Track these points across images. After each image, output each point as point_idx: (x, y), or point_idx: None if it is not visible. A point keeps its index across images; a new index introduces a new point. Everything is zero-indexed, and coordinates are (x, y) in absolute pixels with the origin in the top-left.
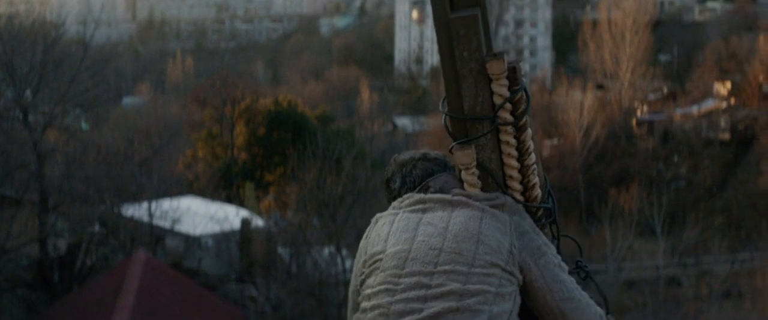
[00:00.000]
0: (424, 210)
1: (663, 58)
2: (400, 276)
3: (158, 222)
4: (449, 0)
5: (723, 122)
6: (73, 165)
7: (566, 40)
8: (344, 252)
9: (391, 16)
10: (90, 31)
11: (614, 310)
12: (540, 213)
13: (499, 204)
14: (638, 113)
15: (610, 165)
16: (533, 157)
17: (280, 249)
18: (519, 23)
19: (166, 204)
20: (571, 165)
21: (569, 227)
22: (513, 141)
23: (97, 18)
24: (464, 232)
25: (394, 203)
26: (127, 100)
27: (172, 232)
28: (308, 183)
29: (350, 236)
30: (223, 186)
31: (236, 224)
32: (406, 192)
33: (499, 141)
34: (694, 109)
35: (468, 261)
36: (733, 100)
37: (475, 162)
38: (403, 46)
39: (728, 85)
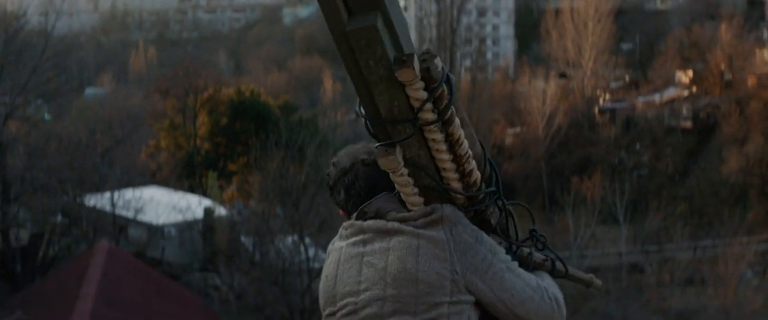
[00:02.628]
0: (364, 243)
1: (625, 46)
2: None
3: (121, 212)
4: (346, 7)
5: (685, 110)
6: (35, 156)
7: (529, 28)
8: (307, 240)
9: None
10: (52, 22)
11: (580, 292)
12: (482, 196)
13: (437, 218)
14: (600, 101)
15: (573, 153)
16: (465, 145)
17: (243, 238)
18: (481, 12)
19: (129, 194)
20: (533, 154)
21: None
22: (440, 136)
23: (58, 8)
24: (402, 273)
25: (341, 230)
26: (90, 91)
27: (135, 222)
28: (271, 172)
29: (313, 225)
30: (185, 175)
31: (199, 213)
32: (352, 206)
33: (425, 138)
34: (656, 97)
35: (411, 310)
36: (694, 88)
37: (401, 165)
38: None
39: (690, 73)
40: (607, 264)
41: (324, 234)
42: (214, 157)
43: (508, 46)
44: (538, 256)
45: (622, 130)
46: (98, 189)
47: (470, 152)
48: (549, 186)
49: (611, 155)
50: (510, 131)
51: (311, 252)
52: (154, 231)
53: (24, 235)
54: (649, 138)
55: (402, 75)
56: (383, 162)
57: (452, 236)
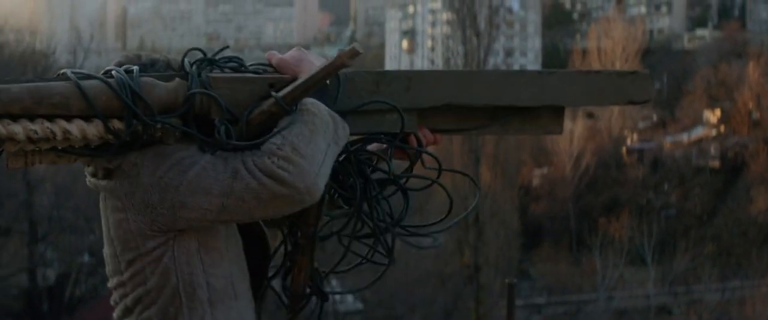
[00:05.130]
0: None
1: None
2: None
3: None
4: None
5: (713, 149)
6: (62, 195)
7: (556, 68)
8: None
9: (382, 46)
10: (80, 60)
11: None
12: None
13: (112, 167)
14: (628, 141)
15: (601, 194)
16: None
17: None
18: (509, 52)
19: None
20: (561, 195)
21: (559, 256)
22: None
23: (87, 47)
24: (105, 229)
25: None
26: None
27: None
28: None
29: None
30: None
31: None
32: None
33: None
34: (684, 137)
35: (118, 269)
36: (722, 128)
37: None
38: None
39: (718, 112)
40: (634, 306)
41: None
42: None
43: None
44: (264, 106)
45: (649, 170)
46: None
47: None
48: (576, 228)
49: (639, 196)
50: (537, 172)
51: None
52: None
53: (51, 275)
54: (676, 178)
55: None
56: None
57: (120, 179)
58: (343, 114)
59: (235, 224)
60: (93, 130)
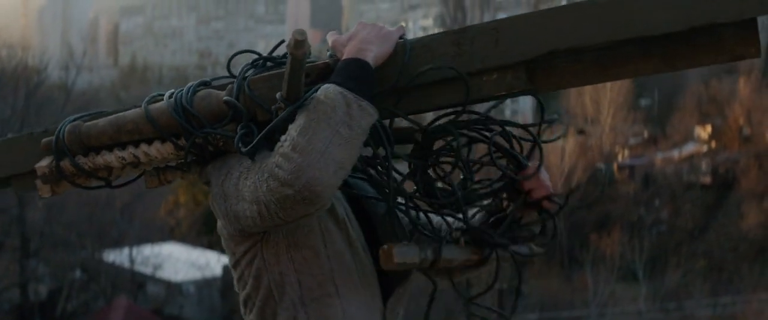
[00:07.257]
0: None
1: (644, 102)
2: None
3: (139, 268)
4: None
5: (704, 165)
6: (54, 210)
7: None
8: None
9: None
10: (72, 77)
11: None
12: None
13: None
14: (619, 158)
15: (592, 210)
16: (113, 162)
17: None
18: None
19: (148, 250)
20: (552, 211)
21: (551, 272)
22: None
23: (79, 63)
24: None
25: None
26: None
27: (153, 279)
28: None
29: None
30: (204, 232)
31: (218, 270)
32: None
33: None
34: (675, 153)
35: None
36: (713, 144)
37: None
38: None
39: (709, 128)
40: None
41: None
42: None
43: (526, 103)
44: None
45: (640, 186)
46: (117, 244)
47: (119, 158)
48: (568, 244)
49: (630, 212)
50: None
51: None
52: (173, 288)
53: (43, 290)
54: (668, 194)
55: None
56: None
57: (213, 200)
58: (421, 89)
59: (340, 218)
60: (167, 148)
